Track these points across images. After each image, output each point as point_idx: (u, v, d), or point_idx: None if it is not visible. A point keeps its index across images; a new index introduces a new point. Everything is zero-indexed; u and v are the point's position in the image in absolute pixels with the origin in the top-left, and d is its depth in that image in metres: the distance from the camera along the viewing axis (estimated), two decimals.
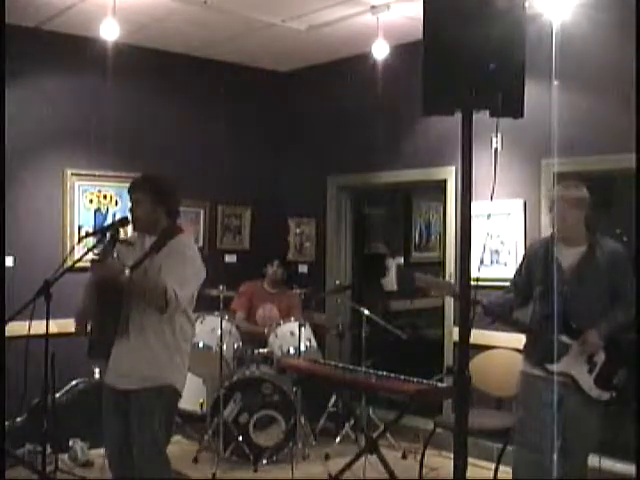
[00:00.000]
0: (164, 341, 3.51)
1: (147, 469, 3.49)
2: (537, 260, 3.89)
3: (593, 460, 4.86)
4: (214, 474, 4.95)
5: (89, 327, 3.60)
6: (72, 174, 5.75)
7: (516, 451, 3.89)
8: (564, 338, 3.73)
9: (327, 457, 5.38)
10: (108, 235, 3.52)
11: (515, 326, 3.97)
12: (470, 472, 2.55)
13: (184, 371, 3.66)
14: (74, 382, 5.41)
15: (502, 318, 3.95)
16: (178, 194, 3.72)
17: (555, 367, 3.73)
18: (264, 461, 5.23)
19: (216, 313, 5.36)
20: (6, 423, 4.67)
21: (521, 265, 4.04)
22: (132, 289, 3.41)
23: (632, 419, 3.70)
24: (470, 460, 2.57)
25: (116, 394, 3.55)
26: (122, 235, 3.65)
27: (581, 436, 3.70)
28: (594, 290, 3.72)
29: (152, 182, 3.65)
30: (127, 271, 3.39)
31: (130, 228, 3.73)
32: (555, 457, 3.67)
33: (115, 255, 3.50)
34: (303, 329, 5.45)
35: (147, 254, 3.51)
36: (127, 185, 3.72)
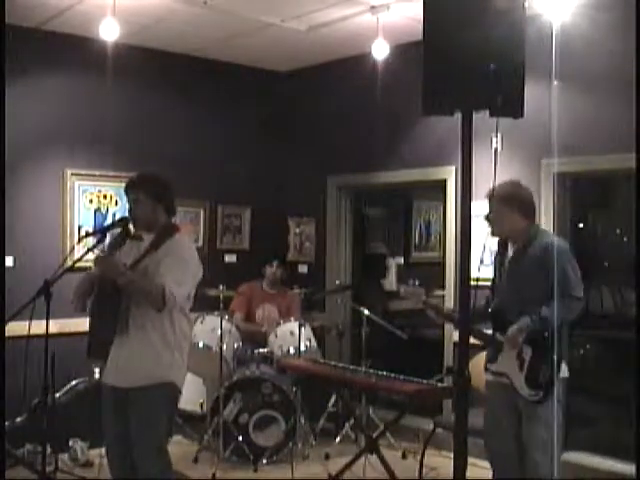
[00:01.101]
0: (165, 338, 3.51)
1: (149, 466, 3.48)
2: (495, 263, 3.98)
3: (592, 460, 4.91)
4: (214, 474, 4.96)
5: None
6: (72, 174, 5.75)
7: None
8: (498, 336, 3.74)
9: (327, 457, 5.38)
10: (114, 232, 3.53)
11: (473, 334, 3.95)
12: (470, 472, 2.55)
13: (184, 368, 3.67)
14: (74, 382, 5.40)
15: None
16: (174, 191, 3.73)
17: (494, 367, 3.80)
18: (264, 461, 5.23)
19: (216, 313, 5.36)
20: (6, 423, 4.67)
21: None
22: (131, 288, 3.41)
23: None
24: (470, 460, 2.56)
25: (116, 392, 3.54)
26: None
27: (531, 436, 3.66)
28: (524, 286, 3.71)
29: (149, 180, 3.66)
30: (128, 272, 3.40)
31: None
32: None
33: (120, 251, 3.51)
34: (303, 329, 5.46)
35: (147, 252, 3.52)
36: None
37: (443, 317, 4.14)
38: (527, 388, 3.65)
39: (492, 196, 3.78)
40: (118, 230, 3.63)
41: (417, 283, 4.10)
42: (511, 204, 3.77)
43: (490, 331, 3.86)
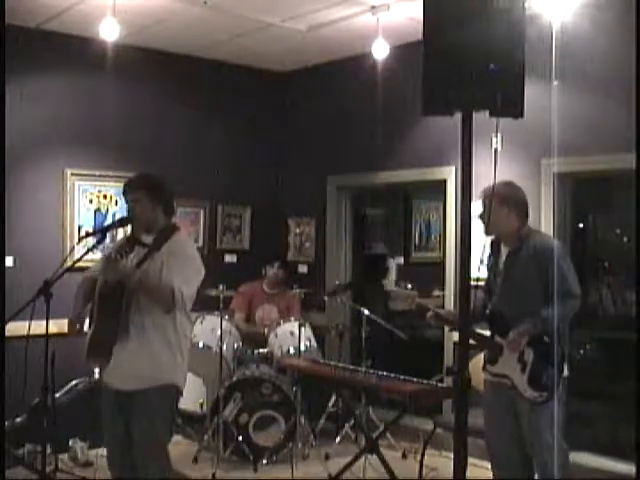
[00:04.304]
0: (166, 340, 3.51)
1: (149, 467, 3.49)
2: (489, 264, 3.96)
3: (592, 460, 4.91)
4: (214, 474, 4.95)
5: (84, 327, 3.60)
6: (72, 174, 5.75)
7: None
8: (498, 338, 3.74)
9: (327, 457, 5.38)
10: (119, 240, 3.52)
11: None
12: (470, 472, 2.55)
13: (185, 369, 3.67)
14: (74, 382, 5.40)
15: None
16: (173, 192, 3.73)
17: (495, 369, 3.79)
18: (264, 461, 5.23)
19: (216, 313, 5.36)
20: (6, 423, 4.67)
21: None
22: (140, 290, 3.41)
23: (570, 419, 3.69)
24: (470, 460, 2.56)
25: (117, 395, 3.55)
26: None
27: (534, 437, 3.67)
28: (520, 288, 3.71)
29: (148, 181, 3.66)
30: (137, 273, 3.39)
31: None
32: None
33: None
34: (303, 329, 5.46)
35: (148, 253, 3.51)
36: None
37: (439, 320, 4.09)
38: (531, 390, 3.64)
39: (487, 196, 3.75)
40: (121, 235, 3.62)
41: (409, 286, 4.12)
42: (507, 205, 3.77)
43: (487, 333, 3.85)
